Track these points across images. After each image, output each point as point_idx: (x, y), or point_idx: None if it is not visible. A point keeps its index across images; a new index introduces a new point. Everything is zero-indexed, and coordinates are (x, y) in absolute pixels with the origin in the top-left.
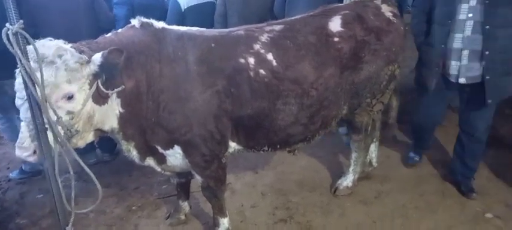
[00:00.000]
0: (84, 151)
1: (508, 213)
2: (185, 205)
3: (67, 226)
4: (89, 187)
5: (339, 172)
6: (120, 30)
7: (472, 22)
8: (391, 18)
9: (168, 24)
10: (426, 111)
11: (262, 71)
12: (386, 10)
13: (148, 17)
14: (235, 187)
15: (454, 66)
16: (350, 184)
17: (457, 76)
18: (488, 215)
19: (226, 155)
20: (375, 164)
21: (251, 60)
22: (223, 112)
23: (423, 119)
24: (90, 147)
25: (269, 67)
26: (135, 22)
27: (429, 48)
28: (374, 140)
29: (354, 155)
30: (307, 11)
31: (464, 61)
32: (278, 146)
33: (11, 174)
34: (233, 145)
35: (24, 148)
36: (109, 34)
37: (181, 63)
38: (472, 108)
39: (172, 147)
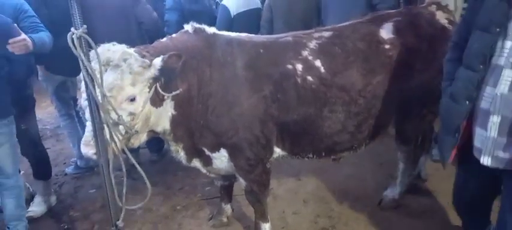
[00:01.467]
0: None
1: None
2: (228, 208)
3: (118, 220)
4: (137, 185)
5: (385, 183)
6: (174, 35)
7: None
8: (446, 25)
9: (218, 30)
10: (459, 190)
11: (309, 78)
12: (442, 17)
13: (198, 23)
14: (278, 192)
15: (478, 135)
16: (397, 197)
17: (481, 152)
18: None
19: (271, 160)
20: (424, 177)
21: (299, 67)
22: (270, 117)
23: (458, 198)
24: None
25: (317, 74)
26: (188, 27)
27: (450, 102)
28: (424, 152)
29: (401, 166)
30: (340, 14)
31: (493, 132)
32: (323, 154)
33: (67, 169)
34: (278, 151)
35: (91, 145)
36: (164, 39)
37: (230, 68)
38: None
39: (218, 150)
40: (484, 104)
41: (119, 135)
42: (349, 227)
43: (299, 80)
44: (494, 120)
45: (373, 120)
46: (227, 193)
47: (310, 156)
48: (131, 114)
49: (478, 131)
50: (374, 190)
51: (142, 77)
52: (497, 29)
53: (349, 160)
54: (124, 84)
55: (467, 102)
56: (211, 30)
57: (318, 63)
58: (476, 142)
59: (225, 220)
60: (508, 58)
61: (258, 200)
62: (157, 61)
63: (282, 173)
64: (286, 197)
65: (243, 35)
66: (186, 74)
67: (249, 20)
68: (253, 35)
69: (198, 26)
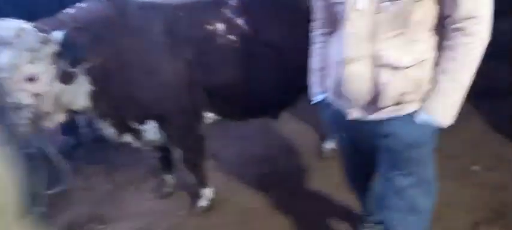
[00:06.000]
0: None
1: (499, 165)
2: (169, 178)
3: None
4: (78, 165)
5: (325, 135)
6: (82, 4)
7: None
8: None
9: None
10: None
11: (232, 37)
12: None
13: None
14: (222, 156)
15: None
16: (335, 146)
17: None
18: (475, 167)
19: (202, 125)
20: None
21: (220, 26)
22: (195, 83)
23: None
24: (70, 129)
25: (240, 32)
26: None
27: None
28: None
29: None
30: None
31: None
32: (258, 114)
33: None
34: (211, 115)
35: None
36: (70, 9)
37: (146, 35)
38: None
39: (146, 122)
40: None
41: (25, 119)
42: (294, 182)
43: (222, 40)
44: None
45: (305, 75)
46: (167, 163)
47: (245, 117)
48: (35, 94)
49: None
50: (316, 143)
51: (41, 54)
52: None
53: (291, 117)
54: (20, 62)
55: None
56: None
57: (240, 21)
58: None
59: (168, 190)
60: None
61: (195, 167)
62: (57, 36)
63: (226, 136)
64: (231, 159)
65: None
66: (99, 46)
67: None
68: None
69: None
